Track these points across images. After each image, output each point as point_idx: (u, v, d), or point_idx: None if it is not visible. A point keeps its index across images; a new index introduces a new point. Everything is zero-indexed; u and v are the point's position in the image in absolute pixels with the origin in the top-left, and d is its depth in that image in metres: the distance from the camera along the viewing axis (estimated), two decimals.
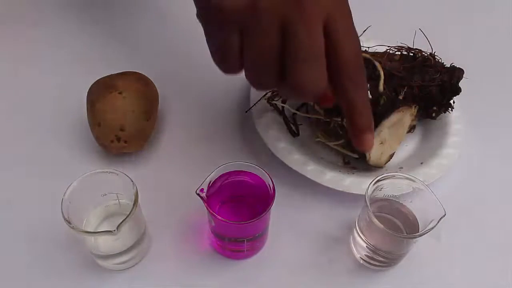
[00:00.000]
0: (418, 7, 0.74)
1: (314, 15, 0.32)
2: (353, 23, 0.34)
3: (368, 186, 0.42)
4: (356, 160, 0.52)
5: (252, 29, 0.32)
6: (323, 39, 0.33)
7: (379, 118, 0.48)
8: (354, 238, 0.47)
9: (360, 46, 0.35)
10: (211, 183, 0.41)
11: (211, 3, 0.32)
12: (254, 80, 0.35)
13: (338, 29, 0.33)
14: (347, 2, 0.34)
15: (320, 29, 0.32)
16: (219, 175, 0.43)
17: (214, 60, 0.35)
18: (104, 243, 0.43)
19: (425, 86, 0.52)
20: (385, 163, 0.52)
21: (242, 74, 0.35)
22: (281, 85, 0.34)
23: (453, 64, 0.54)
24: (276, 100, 0.54)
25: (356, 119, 0.36)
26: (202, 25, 0.34)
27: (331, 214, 0.50)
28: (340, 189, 0.49)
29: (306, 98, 0.35)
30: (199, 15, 0.34)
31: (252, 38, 0.33)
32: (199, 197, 0.40)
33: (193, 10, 0.34)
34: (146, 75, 0.54)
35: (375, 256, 0.45)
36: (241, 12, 0.32)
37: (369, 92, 0.44)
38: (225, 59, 0.34)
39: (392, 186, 0.44)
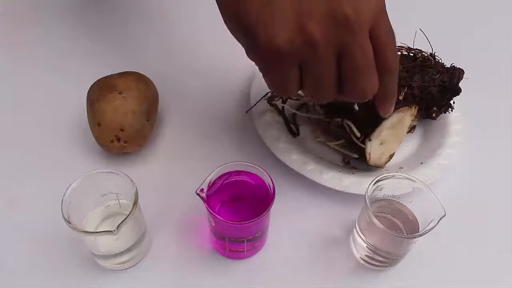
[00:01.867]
0: (418, 7, 0.74)
1: (364, 32, 0.33)
2: (389, 21, 0.36)
3: (368, 186, 0.42)
4: (356, 160, 0.52)
5: (312, 62, 0.34)
6: (372, 49, 0.35)
7: (379, 118, 0.47)
8: (354, 238, 0.47)
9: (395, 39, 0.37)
10: (211, 183, 0.41)
11: (262, 43, 0.33)
12: (316, 98, 0.38)
13: (381, 34, 0.35)
14: (384, 3, 0.35)
15: (369, 41, 0.34)
16: (219, 175, 0.43)
17: (274, 91, 0.38)
18: (104, 243, 0.43)
19: (425, 87, 0.51)
20: (385, 163, 0.52)
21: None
22: (339, 95, 0.37)
23: (453, 64, 0.54)
24: (276, 100, 0.54)
25: (387, 86, 0.38)
26: (256, 63, 0.36)
27: (331, 214, 0.50)
28: (340, 189, 0.49)
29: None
30: (251, 54, 0.35)
31: (312, 69, 0.34)
32: (199, 197, 0.40)
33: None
34: (146, 75, 0.54)
35: (375, 256, 0.45)
36: (298, 49, 0.33)
37: None
38: (286, 90, 0.36)
39: (392, 186, 0.44)
